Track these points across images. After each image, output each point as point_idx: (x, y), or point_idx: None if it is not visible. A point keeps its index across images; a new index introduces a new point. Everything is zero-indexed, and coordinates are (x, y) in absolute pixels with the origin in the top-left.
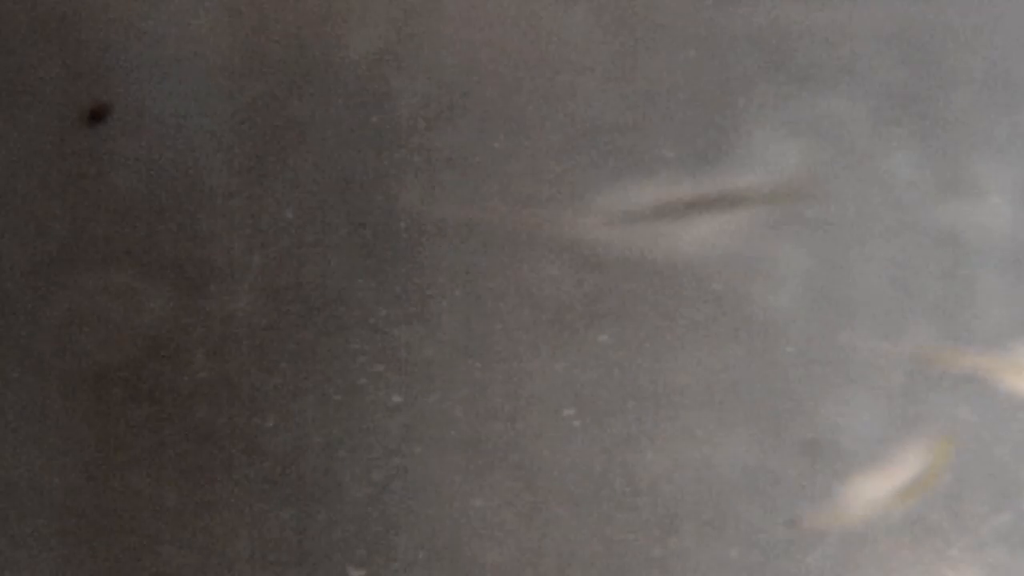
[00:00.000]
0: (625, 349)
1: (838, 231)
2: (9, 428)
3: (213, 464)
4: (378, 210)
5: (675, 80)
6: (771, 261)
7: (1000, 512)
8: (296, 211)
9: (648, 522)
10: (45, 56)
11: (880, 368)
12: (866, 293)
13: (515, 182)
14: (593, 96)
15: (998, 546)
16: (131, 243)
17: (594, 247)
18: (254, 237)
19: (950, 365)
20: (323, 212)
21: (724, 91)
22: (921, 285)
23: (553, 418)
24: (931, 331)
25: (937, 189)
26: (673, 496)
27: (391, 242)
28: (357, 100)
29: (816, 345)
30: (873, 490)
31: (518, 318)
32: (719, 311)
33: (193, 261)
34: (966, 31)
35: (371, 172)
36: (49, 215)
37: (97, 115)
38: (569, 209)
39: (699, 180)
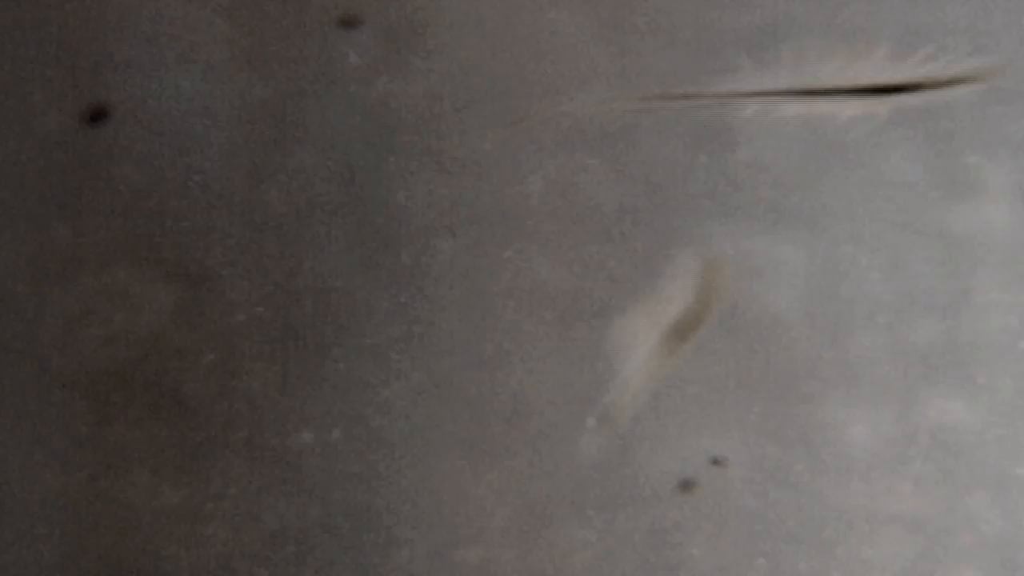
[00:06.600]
0: (625, 349)
1: (838, 231)
2: (9, 428)
3: (213, 464)
4: (379, 210)
5: (675, 80)
6: (771, 261)
7: (998, 510)
8: (296, 211)
9: (649, 523)
10: (45, 56)
11: (880, 368)
12: (866, 293)
13: (515, 182)
14: (592, 96)
15: (997, 545)
16: (131, 243)
17: (593, 247)
18: (254, 237)
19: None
20: (324, 212)
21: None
22: (921, 285)
23: (554, 418)
24: (931, 331)
25: (937, 189)
26: (675, 496)
27: (391, 242)
28: (357, 100)
29: (816, 345)
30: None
31: (518, 318)
32: (720, 311)
33: (193, 261)
34: (966, 31)
35: (372, 172)
36: (49, 215)
37: (97, 115)
38: (567, 208)
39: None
